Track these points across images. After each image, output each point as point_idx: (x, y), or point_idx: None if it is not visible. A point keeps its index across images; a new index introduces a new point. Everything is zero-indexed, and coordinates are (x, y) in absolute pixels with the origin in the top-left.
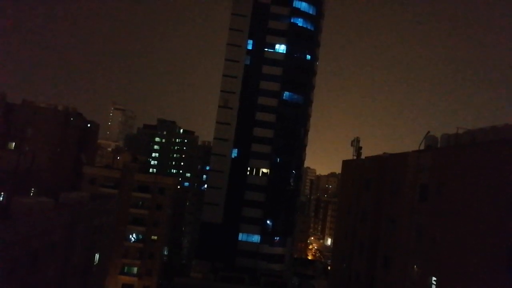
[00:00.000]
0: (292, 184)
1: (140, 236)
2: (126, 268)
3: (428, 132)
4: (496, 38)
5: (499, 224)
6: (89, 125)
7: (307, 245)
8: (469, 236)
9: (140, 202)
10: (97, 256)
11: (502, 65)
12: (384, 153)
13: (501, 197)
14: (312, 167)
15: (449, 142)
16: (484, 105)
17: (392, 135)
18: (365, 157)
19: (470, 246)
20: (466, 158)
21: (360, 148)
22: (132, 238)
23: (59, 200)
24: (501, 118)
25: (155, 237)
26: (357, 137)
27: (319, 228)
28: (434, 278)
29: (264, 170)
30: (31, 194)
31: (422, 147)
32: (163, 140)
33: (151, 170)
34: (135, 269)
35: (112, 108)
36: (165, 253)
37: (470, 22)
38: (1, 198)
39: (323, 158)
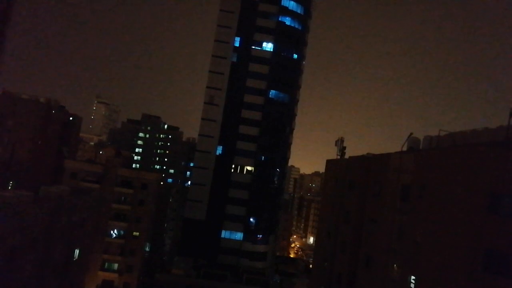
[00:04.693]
0: (276, 182)
1: (122, 232)
2: (106, 264)
3: (411, 133)
4: (485, 41)
5: (477, 226)
6: (71, 118)
7: (290, 243)
8: (449, 237)
9: (123, 198)
10: (77, 252)
11: (484, 71)
12: (368, 153)
13: (479, 200)
14: (296, 165)
15: (431, 144)
16: (466, 108)
17: (376, 135)
18: (349, 157)
19: (449, 247)
20: (446, 160)
21: (344, 148)
22: (114, 234)
23: (39, 194)
24: (483, 122)
25: (137, 233)
26: (341, 137)
27: (301, 227)
28: (413, 277)
29: (249, 168)
30: (9, 187)
31: (404, 149)
32: (147, 136)
33: (134, 165)
34: (115, 265)
35: (96, 102)
36: (147, 249)
37: (460, 24)
38: None
39: (308, 157)
